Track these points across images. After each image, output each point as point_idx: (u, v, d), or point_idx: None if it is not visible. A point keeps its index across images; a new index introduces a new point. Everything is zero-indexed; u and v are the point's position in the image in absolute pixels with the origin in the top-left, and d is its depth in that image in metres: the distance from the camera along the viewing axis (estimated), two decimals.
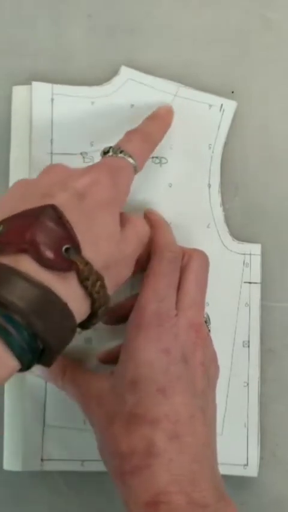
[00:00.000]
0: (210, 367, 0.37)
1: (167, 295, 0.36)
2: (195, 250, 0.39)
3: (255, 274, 0.43)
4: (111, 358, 0.39)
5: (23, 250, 0.29)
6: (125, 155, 0.36)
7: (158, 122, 0.41)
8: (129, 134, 0.38)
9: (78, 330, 0.32)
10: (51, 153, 0.41)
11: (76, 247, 0.31)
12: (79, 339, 0.41)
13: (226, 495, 0.34)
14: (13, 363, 0.29)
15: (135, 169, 0.37)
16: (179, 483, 0.32)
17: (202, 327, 0.37)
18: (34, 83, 0.41)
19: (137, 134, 0.38)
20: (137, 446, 0.33)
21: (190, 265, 0.38)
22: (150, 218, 0.41)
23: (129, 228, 0.36)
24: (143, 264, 0.39)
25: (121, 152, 0.36)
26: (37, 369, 0.39)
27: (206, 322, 0.38)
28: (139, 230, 0.37)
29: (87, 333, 0.41)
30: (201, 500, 0.32)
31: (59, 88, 0.42)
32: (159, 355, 0.35)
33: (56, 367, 0.38)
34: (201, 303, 0.38)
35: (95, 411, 0.36)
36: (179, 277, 0.38)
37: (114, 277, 0.34)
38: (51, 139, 0.41)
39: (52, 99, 0.42)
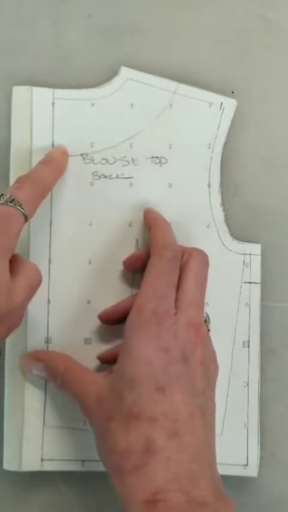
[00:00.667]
0: (209, 367, 0.36)
1: (167, 294, 0.36)
2: (194, 249, 0.39)
3: (255, 274, 0.43)
4: (111, 358, 0.39)
5: None
6: (15, 204, 0.36)
7: (50, 166, 0.40)
8: (20, 180, 0.38)
9: None
10: None
11: None
12: (79, 339, 0.41)
13: (225, 495, 0.34)
14: None
15: (26, 217, 0.37)
16: (178, 481, 0.32)
17: (202, 326, 0.37)
18: (35, 88, 0.41)
19: (28, 180, 0.38)
20: (136, 444, 0.33)
21: (190, 264, 0.38)
22: (150, 217, 0.41)
23: (21, 275, 0.36)
24: (144, 264, 0.39)
25: (12, 201, 0.36)
26: (37, 369, 0.39)
27: (205, 321, 0.38)
28: (31, 277, 0.37)
29: (87, 333, 0.41)
30: (200, 498, 0.32)
31: (59, 92, 0.42)
32: (158, 354, 0.35)
33: (56, 366, 0.39)
34: (200, 302, 0.38)
35: (94, 410, 0.36)
36: (178, 276, 0.38)
37: (4, 329, 0.35)
38: (52, 143, 0.42)
39: (53, 103, 0.42)
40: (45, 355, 0.40)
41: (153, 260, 0.38)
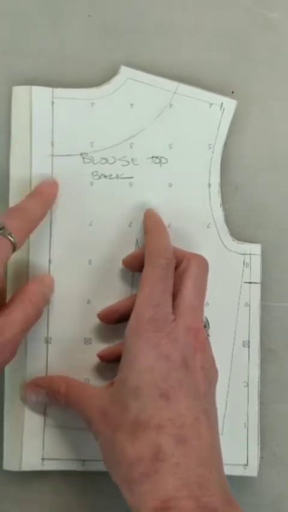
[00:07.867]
0: (210, 371, 0.36)
1: (163, 301, 0.36)
2: (194, 254, 0.39)
3: (255, 274, 0.43)
4: (111, 356, 0.40)
5: None
6: (5, 233, 0.36)
7: (40, 198, 0.40)
8: (10, 211, 0.39)
9: None
10: (52, 155, 0.42)
11: None
12: (79, 339, 0.41)
13: (233, 499, 0.33)
14: None
15: (14, 247, 0.37)
16: (188, 488, 0.32)
17: (201, 331, 0.36)
18: (34, 88, 0.41)
19: (18, 211, 0.38)
20: (144, 452, 0.33)
21: (189, 270, 0.38)
22: (148, 221, 0.41)
23: (17, 304, 0.36)
24: (143, 263, 0.39)
25: (1, 229, 0.36)
26: (39, 396, 0.39)
27: (205, 326, 0.38)
28: (27, 307, 0.37)
29: (87, 333, 0.41)
30: (210, 504, 0.32)
31: (59, 92, 0.42)
32: (159, 361, 0.35)
33: (58, 389, 0.38)
34: (199, 308, 0.37)
35: (98, 423, 0.35)
36: (174, 282, 0.37)
37: None
38: (52, 142, 0.42)
39: (52, 103, 0.42)
40: (45, 381, 0.40)
41: (147, 268, 0.37)
